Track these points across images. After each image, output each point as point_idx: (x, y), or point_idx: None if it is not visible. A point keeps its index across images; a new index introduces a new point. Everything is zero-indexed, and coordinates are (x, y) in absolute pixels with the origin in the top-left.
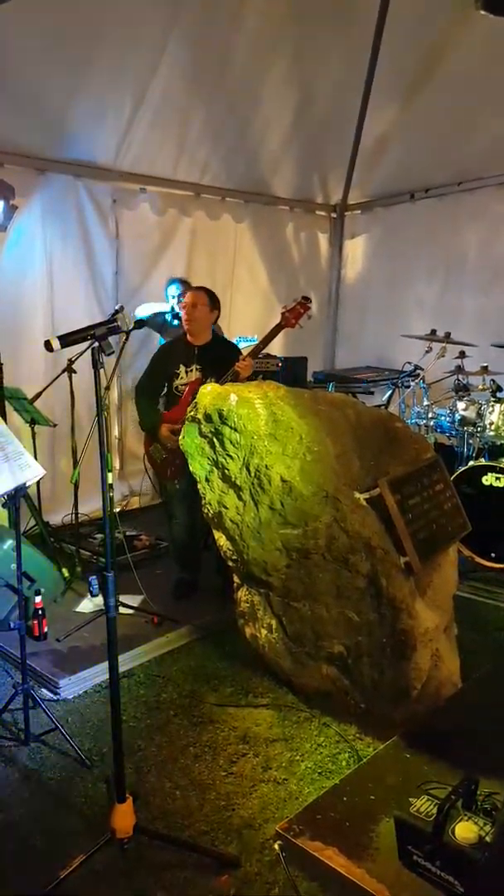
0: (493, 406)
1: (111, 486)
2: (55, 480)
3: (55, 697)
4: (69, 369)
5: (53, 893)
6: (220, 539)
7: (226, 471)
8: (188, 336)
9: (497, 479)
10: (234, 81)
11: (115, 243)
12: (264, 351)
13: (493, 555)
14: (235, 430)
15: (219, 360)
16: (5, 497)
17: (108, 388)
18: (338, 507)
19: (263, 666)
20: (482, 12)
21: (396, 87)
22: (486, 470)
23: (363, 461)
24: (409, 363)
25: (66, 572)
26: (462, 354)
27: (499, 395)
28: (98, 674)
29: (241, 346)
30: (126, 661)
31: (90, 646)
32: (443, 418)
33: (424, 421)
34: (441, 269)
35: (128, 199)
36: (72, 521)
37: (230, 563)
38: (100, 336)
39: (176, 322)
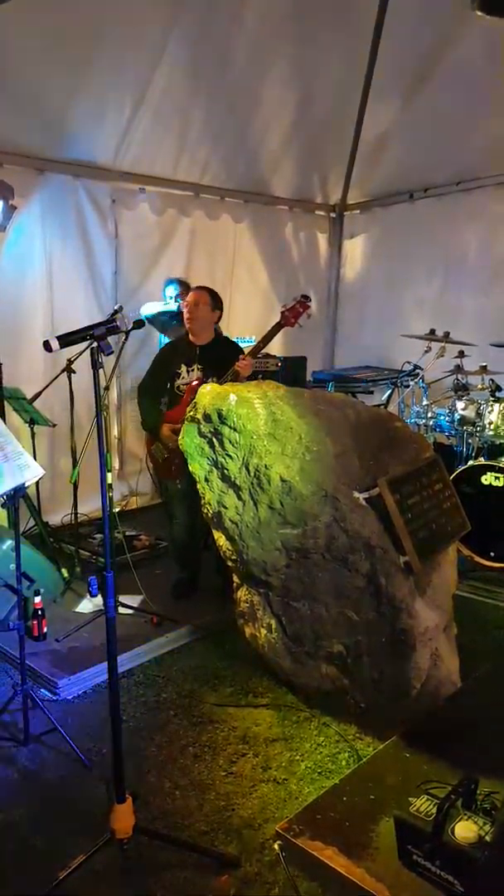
0: (492, 405)
1: (110, 486)
2: (54, 480)
3: (54, 698)
4: (68, 369)
5: (53, 894)
6: (220, 539)
7: (225, 471)
8: (190, 335)
9: (496, 478)
10: (234, 81)
11: (114, 243)
12: (264, 350)
13: (492, 554)
14: (235, 429)
15: (220, 359)
16: (4, 497)
17: (107, 388)
18: (337, 507)
19: (263, 666)
20: (478, 13)
21: (395, 87)
22: (485, 469)
23: (362, 461)
24: (409, 363)
25: (65, 572)
26: (461, 354)
27: (498, 394)
28: (97, 674)
29: None
30: (125, 662)
31: (90, 646)
32: (442, 418)
33: (424, 420)
34: (440, 268)
35: (127, 199)
36: (71, 522)
37: (229, 563)
38: (99, 336)
39: (175, 322)
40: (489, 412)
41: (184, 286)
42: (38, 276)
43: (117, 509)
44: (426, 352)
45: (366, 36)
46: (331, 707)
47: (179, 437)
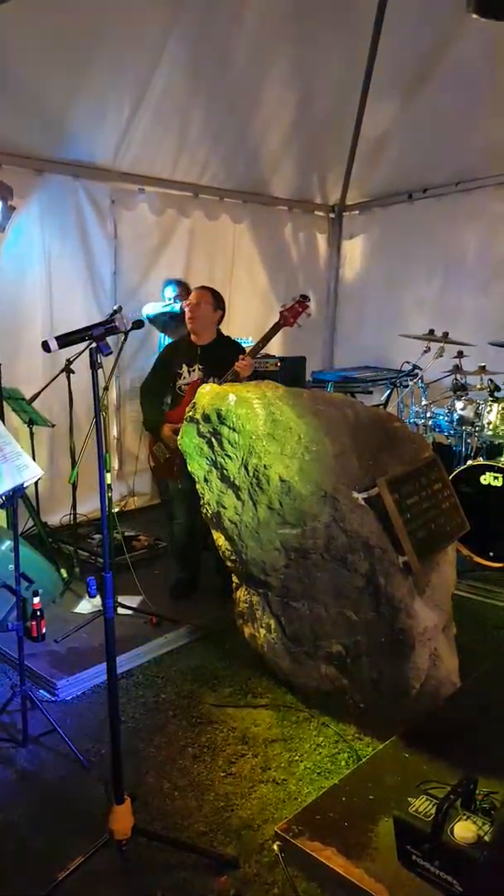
0: (490, 405)
1: (110, 486)
2: (53, 481)
3: (53, 699)
4: (67, 370)
5: (52, 895)
6: (219, 539)
7: (224, 471)
8: (192, 335)
9: (495, 478)
10: (234, 81)
11: (113, 243)
12: (263, 350)
13: (491, 554)
14: (234, 430)
15: (221, 359)
16: (3, 498)
17: (106, 388)
18: (336, 507)
19: (262, 666)
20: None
21: (395, 87)
22: (484, 469)
23: (362, 461)
24: (408, 363)
25: (64, 573)
26: (460, 354)
27: (497, 394)
28: (96, 675)
29: None
30: (124, 662)
31: (88, 647)
32: (441, 418)
33: (423, 420)
34: (439, 268)
35: (126, 199)
36: (70, 522)
37: (229, 564)
38: (97, 337)
39: (175, 323)
40: (488, 412)
41: (183, 287)
42: (37, 277)
43: (116, 510)
44: (425, 352)
45: (365, 36)
46: (330, 707)
47: (178, 438)
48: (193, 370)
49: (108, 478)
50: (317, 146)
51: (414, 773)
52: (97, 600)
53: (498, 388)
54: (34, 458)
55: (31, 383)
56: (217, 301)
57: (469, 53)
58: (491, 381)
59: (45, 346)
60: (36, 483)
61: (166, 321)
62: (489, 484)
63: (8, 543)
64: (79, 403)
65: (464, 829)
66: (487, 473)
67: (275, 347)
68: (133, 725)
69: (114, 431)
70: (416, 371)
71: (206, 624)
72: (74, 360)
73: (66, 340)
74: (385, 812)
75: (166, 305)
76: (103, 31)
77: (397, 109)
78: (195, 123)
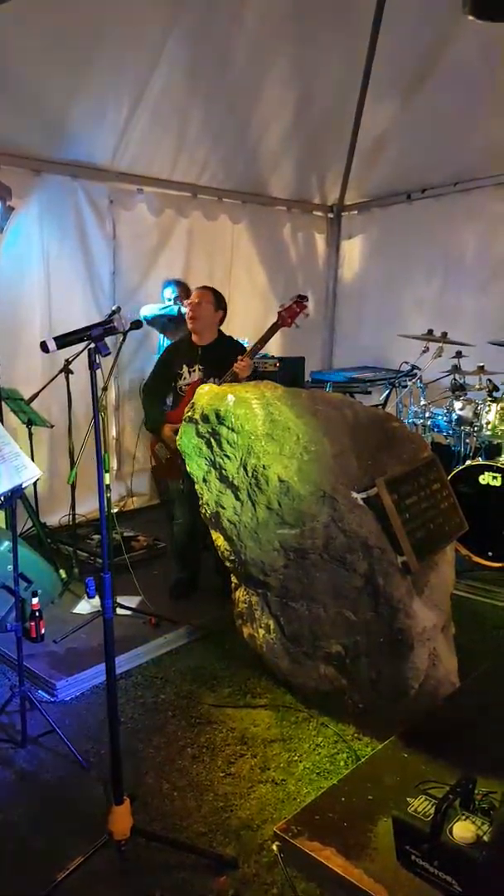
0: (489, 405)
1: (108, 486)
2: (52, 481)
3: (52, 699)
4: (66, 370)
5: (52, 895)
6: (218, 539)
7: (223, 471)
8: (193, 335)
9: (494, 478)
10: (233, 81)
11: (112, 244)
12: (262, 351)
13: (490, 553)
14: (233, 430)
15: (221, 360)
16: (2, 498)
17: (105, 388)
18: (335, 507)
19: (261, 666)
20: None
21: (394, 88)
22: (482, 469)
23: (361, 461)
24: (407, 363)
25: (63, 573)
26: (459, 354)
27: (495, 394)
28: (95, 675)
29: None
30: (123, 663)
31: (88, 647)
32: (440, 418)
33: (422, 420)
34: (438, 269)
35: (125, 199)
36: (69, 522)
37: (228, 564)
38: (96, 337)
39: (174, 324)
40: (486, 412)
41: (182, 287)
42: (35, 277)
43: (115, 510)
44: (424, 352)
45: (364, 35)
46: (329, 707)
47: (177, 438)
48: (194, 370)
49: (107, 478)
50: (316, 146)
51: (413, 773)
52: (96, 601)
53: (496, 388)
54: (33, 459)
55: (29, 384)
56: (218, 301)
57: (468, 53)
58: (489, 381)
59: (44, 347)
60: (35, 483)
61: (165, 323)
62: (488, 484)
63: (7, 544)
64: (77, 404)
65: (463, 829)
66: (486, 473)
67: (274, 348)
68: (132, 726)
69: (113, 432)
70: (415, 371)
71: (205, 624)
72: (73, 360)
73: (64, 341)
74: (384, 812)
75: (164, 307)
76: (103, 31)
77: (396, 109)
78: (194, 123)
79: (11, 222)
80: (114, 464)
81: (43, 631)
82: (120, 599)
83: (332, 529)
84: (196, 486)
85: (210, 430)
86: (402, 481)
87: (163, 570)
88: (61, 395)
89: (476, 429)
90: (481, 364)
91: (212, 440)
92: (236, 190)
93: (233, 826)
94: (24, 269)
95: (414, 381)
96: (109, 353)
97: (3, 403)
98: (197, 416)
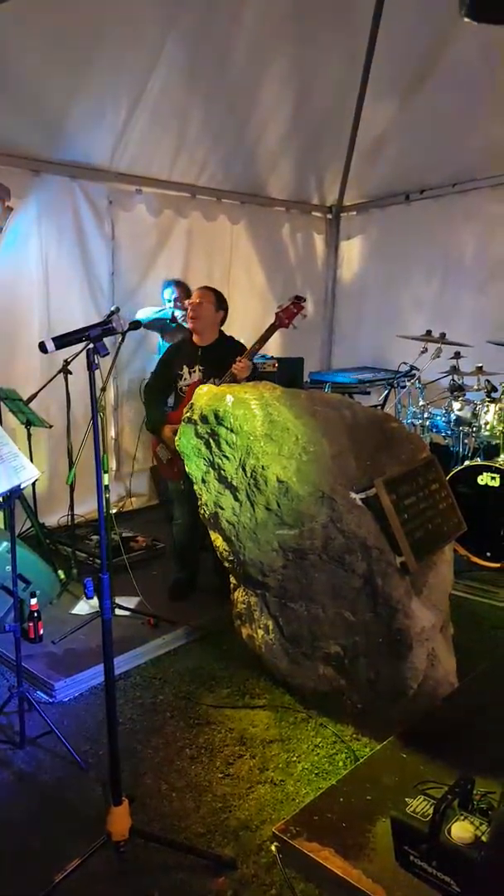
0: (487, 406)
1: (107, 487)
2: (51, 482)
3: (51, 700)
4: (65, 370)
5: None
6: (217, 540)
7: (222, 471)
8: (193, 336)
9: (492, 478)
10: (233, 81)
11: (111, 244)
12: (261, 352)
13: (488, 554)
14: (231, 430)
15: (221, 360)
16: (1, 499)
17: (103, 389)
18: (334, 508)
19: (260, 667)
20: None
21: (393, 88)
22: (481, 469)
23: (359, 461)
24: (405, 363)
25: (61, 574)
26: (457, 355)
27: (493, 395)
28: (94, 676)
29: None
30: (122, 663)
31: (86, 648)
32: (438, 418)
33: (420, 421)
34: (437, 269)
35: (124, 200)
36: (68, 523)
37: (227, 564)
38: (95, 338)
39: (173, 325)
40: (485, 412)
41: (182, 287)
42: (34, 278)
43: (114, 510)
44: (422, 352)
45: (364, 35)
46: (328, 708)
47: (176, 438)
48: (194, 371)
49: (106, 479)
50: (314, 147)
51: (411, 774)
52: (95, 601)
53: (495, 389)
54: (31, 459)
55: (28, 384)
56: (219, 301)
57: (467, 54)
58: (488, 381)
59: (43, 347)
60: (33, 484)
61: (164, 325)
62: (486, 484)
63: (5, 544)
64: (76, 404)
65: (461, 830)
66: (484, 474)
67: (272, 348)
68: (131, 727)
69: (111, 432)
70: (414, 372)
71: (203, 625)
72: (72, 360)
73: (63, 341)
74: (383, 812)
75: (160, 311)
76: (103, 31)
77: (395, 110)
78: (193, 124)
79: (10, 223)
80: (113, 464)
81: (41, 632)
82: (118, 600)
83: (330, 530)
84: (195, 487)
85: (209, 431)
86: (401, 482)
87: (161, 571)
88: (60, 396)
89: (475, 429)
90: (480, 364)
91: (210, 441)
92: (235, 190)
93: (231, 827)
94: (22, 269)
95: (412, 381)
96: (108, 354)
97: (1, 404)
98: (196, 417)
